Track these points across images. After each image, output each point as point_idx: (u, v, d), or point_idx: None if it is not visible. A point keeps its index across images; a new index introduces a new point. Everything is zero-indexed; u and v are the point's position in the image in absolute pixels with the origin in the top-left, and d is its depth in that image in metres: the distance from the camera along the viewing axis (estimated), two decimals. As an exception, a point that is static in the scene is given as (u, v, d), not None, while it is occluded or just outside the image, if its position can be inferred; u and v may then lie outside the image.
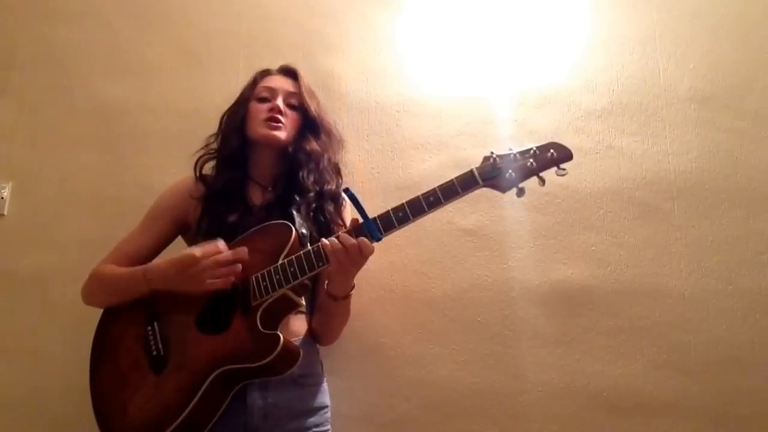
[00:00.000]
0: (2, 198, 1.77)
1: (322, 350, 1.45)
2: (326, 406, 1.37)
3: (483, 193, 1.64)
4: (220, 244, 1.23)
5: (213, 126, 1.50)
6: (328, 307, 1.33)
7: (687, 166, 1.68)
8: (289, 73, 1.50)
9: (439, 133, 1.74)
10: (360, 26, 1.85)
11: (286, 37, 1.86)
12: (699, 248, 1.62)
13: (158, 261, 1.30)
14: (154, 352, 1.25)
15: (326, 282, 1.31)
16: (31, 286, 1.71)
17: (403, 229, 1.61)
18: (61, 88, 1.87)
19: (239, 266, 1.21)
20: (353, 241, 1.17)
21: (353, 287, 1.30)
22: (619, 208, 1.65)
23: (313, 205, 1.37)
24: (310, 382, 1.35)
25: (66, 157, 1.81)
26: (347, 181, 1.54)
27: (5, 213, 1.77)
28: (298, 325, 1.36)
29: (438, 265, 1.63)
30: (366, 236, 1.18)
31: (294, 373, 1.25)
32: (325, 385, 1.40)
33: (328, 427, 1.36)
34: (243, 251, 1.22)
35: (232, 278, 1.21)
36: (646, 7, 1.80)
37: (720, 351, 1.55)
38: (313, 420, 1.31)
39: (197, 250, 1.21)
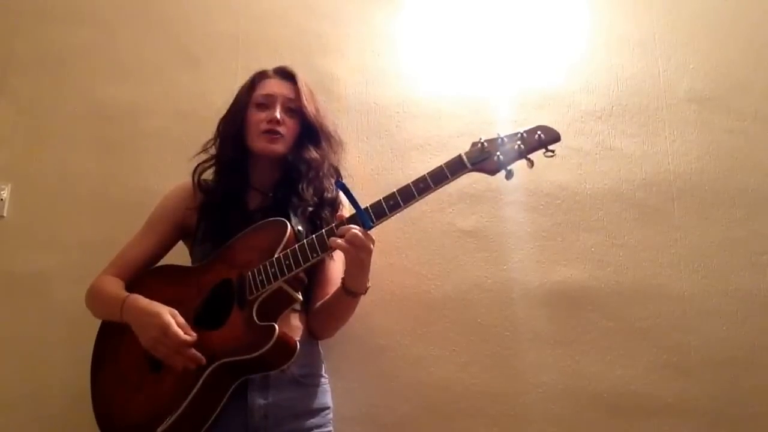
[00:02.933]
0: (2, 200, 1.76)
1: (323, 351, 1.44)
2: (328, 407, 1.36)
3: (483, 193, 1.67)
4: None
5: (212, 128, 1.48)
6: (341, 304, 1.34)
7: (687, 167, 1.68)
8: (288, 76, 1.46)
9: (439, 134, 1.73)
10: (359, 27, 1.84)
11: (284, 38, 1.85)
12: (699, 249, 1.62)
13: (141, 300, 1.26)
14: None
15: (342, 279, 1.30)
16: (30, 288, 1.70)
17: (403, 231, 1.64)
18: (59, 89, 1.86)
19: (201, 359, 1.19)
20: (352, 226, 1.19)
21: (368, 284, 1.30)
22: (619, 209, 1.65)
23: (310, 208, 1.36)
24: (312, 382, 1.34)
25: (65, 159, 1.80)
26: (346, 183, 1.53)
27: (5, 215, 1.76)
28: (298, 324, 1.36)
29: (438, 267, 1.63)
30: (358, 225, 1.19)
31: (294, 372, 1.25)
32: (327, 386, 1.39)
33: (330, 428, 1.35)
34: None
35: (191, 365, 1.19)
36: (646, 7, 1.80)
37: (720, 352, 1.55)
38: (314, 421, 1.31)
39: (173, 326, 1.18)
